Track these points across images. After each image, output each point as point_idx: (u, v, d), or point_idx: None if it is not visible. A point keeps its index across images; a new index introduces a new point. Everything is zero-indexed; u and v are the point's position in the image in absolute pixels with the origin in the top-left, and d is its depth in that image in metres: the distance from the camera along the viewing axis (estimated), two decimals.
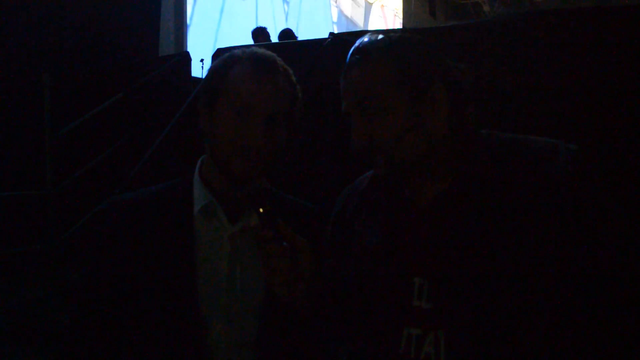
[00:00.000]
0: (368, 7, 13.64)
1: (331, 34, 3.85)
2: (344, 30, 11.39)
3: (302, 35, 8.88)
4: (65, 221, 4.27)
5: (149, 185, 1.34)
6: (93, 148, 4.75)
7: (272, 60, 1.25)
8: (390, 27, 14.05)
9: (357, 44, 1.13)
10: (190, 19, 8.45)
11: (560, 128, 3.02)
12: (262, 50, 1.27)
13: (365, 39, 1.12)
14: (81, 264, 1.30)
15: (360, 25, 12.93)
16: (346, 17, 12.71)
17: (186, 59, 5.84)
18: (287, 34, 7.05)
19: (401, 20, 14.54)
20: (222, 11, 9.22)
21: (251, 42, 6.71)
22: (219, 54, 3.64)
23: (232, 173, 1.20)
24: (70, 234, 4.25)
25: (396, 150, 1.06)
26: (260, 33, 7.16)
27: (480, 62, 3.26)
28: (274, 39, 7.23)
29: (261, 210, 1.09)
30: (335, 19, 12.18)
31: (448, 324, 1.01)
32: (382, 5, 14.19)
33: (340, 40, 3.55)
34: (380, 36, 1.11)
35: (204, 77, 1.32)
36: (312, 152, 3.40)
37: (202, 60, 7.36)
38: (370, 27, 12.87)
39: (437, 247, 1.05)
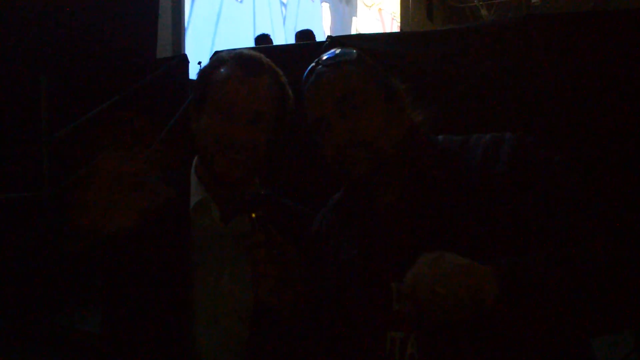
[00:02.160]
0: (366, 10, 13.65)
1: (329, 37, 3.86)
2: (341, 33, 11.42)
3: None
4: (62, 223, 4.25)
5: None
6: (91, 150, 4.72)
7: (258, 60, 1.26)
8: (388, 30, 14.07)
9: (323, 57, 1.19)
10: (188, 21, 8.44)
11: (556, 130, 3.03)
12: (248, 51, 1.29)
13: (330, 53, 1.19)
14: None
15: (358, 30, 12.93)
16: (343, 20, 12.72)
17: (184, 61, 5.84)
18: (305, 34, 7.04)
19: (399, 24, 14.56)
20: (219, 14, 9.22)
21: (250, 44, 6.72)
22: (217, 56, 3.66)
23: (216, 171, 1.21)
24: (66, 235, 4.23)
25: (379, 141, 1.11)
26: (262, 40, 7.17)
27: (478, 65, 3.27)
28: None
29: (253, 215, 1.09)
30: (332, 23, 12.19)
31: (422, 325, 1.02)
32: (380, 9, 14.22)
33: (339, 44, 3.57)
34: (345, 49, 1.20)
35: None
36: (310, 153, 3.40)
37: (199, 63, 7.35)
38: (369, 31, 12.88)
39: (404, 251, 1.06)
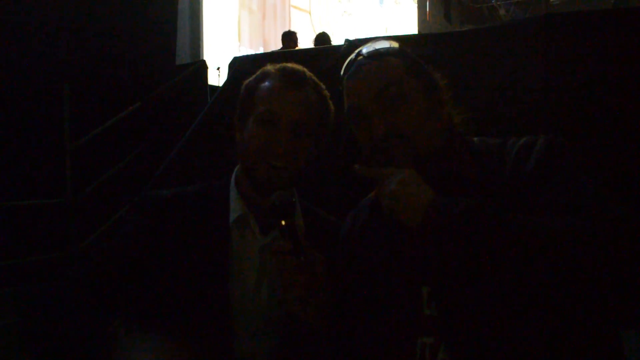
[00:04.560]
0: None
1: (347, 40, 3.85)
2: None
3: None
4: (85, 229, 4.31)
5: None
6: (112, 157, 4.79)
7: (301, 74, 1.31)
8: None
9: (362, 50, 1.19)
10: (206, 27, 8.50)
11: (577, 130, 2.99)
12: (292, 65, 1.33)
13: (370, 47, 1.19)
14: (109, 244, 1.28)
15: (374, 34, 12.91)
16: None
17: (203, 67, 5.88)
18: (322, 38, 7.06)
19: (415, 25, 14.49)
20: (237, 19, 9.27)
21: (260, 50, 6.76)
22: (235, 62, 3.67)
23: (257, 181, 1.24)
24: (91, 241, 4.29)
25: (418, 136, 1.09)
26: (288, 36, 7.22)
27: (497, 66, 3.24)
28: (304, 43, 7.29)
29: (283, 222, 1.09)
30: (349, 27, 12.18)
31: (454, 331, 1.01)
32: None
33: (356, 47, 3.55)
34: (386, 42, 1.20)
35: (221, 85, 1.39)
36: (330, 158, 3.40)
37: (218, 68, 7.41)
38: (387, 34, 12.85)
39: (437, 254, 1.05)
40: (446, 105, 1.16)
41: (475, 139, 1.18)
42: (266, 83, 1.29)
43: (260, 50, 10.02)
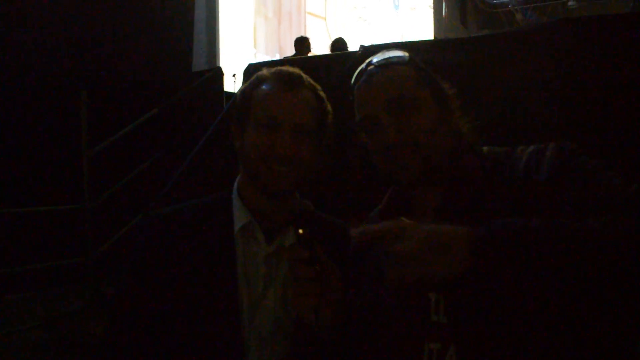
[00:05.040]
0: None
1: (362, 46, 3.85)
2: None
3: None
4: (103, 235, 4.36)
5: (183, 199, 1.36)
6: (129, 163, 4.83)
7: (297, 76, 1.29)
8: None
9: (373, 59, 1.19)
10: (222, 34, 8.55)
11: (595, 135, 2.95)
12: (287, 68, 1.32)
13: (381, 56, 1.19)
14: (118, 279, 1.31)
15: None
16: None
17: (219, 74, 5.93)
18: (339, 43, 7.09)
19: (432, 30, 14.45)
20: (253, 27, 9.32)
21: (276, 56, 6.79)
22: (250, 69, 3.69)
23: (262, 185, 1.23)
24: (108, 247, 4.33)
25: (430, 144, 1.09)
26: (301, 42, 7.26)
27: (514, 71, 3.22)
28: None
29: (301, 231, 1.08)
30: (365, 34, 12.19)
31: (462, 338, 1.01)
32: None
33: (371, 53, 3.55)
34: (395, 51, 1.20)
35: (236, 93, 1.38)
36: (342, 163, 3.39)
37: (234, 75, 7.45)
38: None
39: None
40: (455, 114, 1.16)
41: (485, 148, 1.17)
42: (263, 87, 1.28)
43: (277, 57, 10.06)
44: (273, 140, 1.21)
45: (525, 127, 3.04)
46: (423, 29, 14.06)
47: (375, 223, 1.25)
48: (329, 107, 1.34)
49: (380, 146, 1.13)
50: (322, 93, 1.33)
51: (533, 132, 2.87)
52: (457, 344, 1.01)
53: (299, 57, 6.54)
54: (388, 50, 1.21)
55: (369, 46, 3.81)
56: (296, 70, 1.31)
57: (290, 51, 8.34)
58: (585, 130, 2.95)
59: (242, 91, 1.32)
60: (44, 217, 4.30)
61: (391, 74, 1.15)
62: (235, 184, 1.34)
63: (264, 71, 1.32)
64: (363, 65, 1.21)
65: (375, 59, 1.20)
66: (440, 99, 1.15)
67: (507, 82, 3.19)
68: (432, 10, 14.40)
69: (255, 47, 10.69)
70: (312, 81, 1.32)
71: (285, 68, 1.31)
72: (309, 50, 7.35)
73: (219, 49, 8.36)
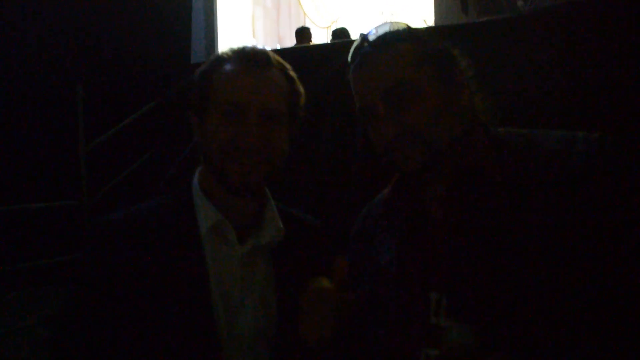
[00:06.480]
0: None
1: (361, 35, 3.77)
2: None
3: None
4: None
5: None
6: (127, 157, 4.78)
7: (263, 54, 1.15)
8: None
9: (369, 35, 1.07)
10: (220, 25, 8.48)
11: (603, 122, 2.88)
12: (251, 47, 1.17)
13: (378, 30, 1.06)
14: (64, 300, 1.16)
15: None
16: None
17: None
18: (341, 32, 7.02)
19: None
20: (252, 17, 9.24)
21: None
22: None
23: (228, 181, 1.09)
24: None
25: (434, 134, 0.99)
26: (301, 33, 7.19)
27: (517, 57, 3.15)
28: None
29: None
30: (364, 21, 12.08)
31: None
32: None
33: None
34: (386, 26, 1.07)
35: (194, 75, 1.20)
36: (341, 154, 3.33)
37: None
38: None
39: (448, 257, 0.97)
40: (467, 89, 1.04)
41: (501, 129, 1.06)
42: (224, 68, 1.12)
43: (277, 47, 9.99)
44: (238, 130, 1.07)
45: (527, 114, 2.97)
46: (423, 15, 13.94)
47: (378, 212, 1.17)
48: (300, 88, 1.19)
49: (381, 139, 1.04)
50: (292, 73, 1.18)
51: (541, 118, 2.80)
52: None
53: (301, 45, 6.47)
54: (384, 25, 1.08)
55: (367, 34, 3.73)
56: (263, 49, 1.16)
57: (290, 41, 8.27)
58: (588, 117, 2.89)
59: (201, 73, 1.16)
60: (42, 213, 4.25)
61: (387, 56, 1.02)
62: (195, 179, 1.19)
63: (226, 50, 1.16)
64: (358, 41, 1.09)
65: (370, 34, 1.07)
66: (448, 75, 1.02)
67: (509, 68, 3.12)
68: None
69: (254, 37, 10.60)
70: (280, 60, 1.17)
71: (250, 47, 1.16)
72: (310, 41, 7.26)
73: (217, 39, 8.28)
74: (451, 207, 1.01)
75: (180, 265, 1.06)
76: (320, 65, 3.75)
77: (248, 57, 1.13)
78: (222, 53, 1.16)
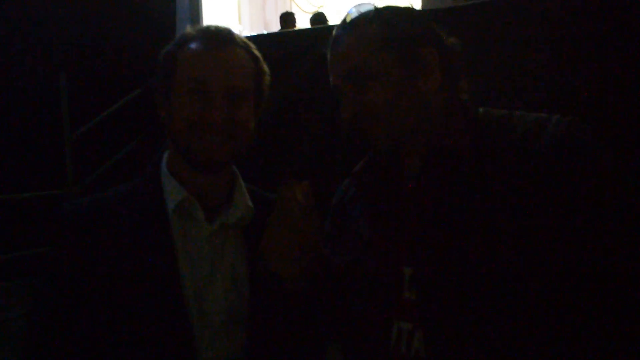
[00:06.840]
0: None
1: (343, 20, 3.74)
2: None
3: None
4: None
5: None
6: (112, 146, 4.74)
7: (227, 33, 1.16)
8: None
9: (348, 14, 1.09)
10: (205, 10, 8.40)
11: (588, 107, 2.88)
12: (215, 25, 1.18)
13: (360, 8, 1.08)
14: (36, 287, 1.14)
15: None
16: None
17: None
18: (319, 17, 6.99)
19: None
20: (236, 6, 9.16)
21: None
22: None
23: (194, 158, 1.10)
24: None
25: (392, 116, 1.01)
26: (287, 17, 7.13)
27: (505, 40, 3.14)
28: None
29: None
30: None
31: (431, 318, 0.94)
32: None
33: None
34: (368, 5, 1.08)
35: (159, 55, 1.20)
36: (335, 139, 3.32)
37: None
38: None
39: (421, 232, 0.98)
40: (433, 71, 1.03)
41: (481, 109, 1.06)
42: (188, 47, 1.13)
43: (263, 32, 9.92)
44: (203, 107, 1.08)
45: (516, 98, 2.97)
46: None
47: (351, 188, 1.18)
48: (265, 67, 1.20)
49: (344, 120, 1.05)
50: (256, 52, 1.19)
51: (524, 103, 2.80)
52: (424, 327, 0.95)
53: (287, 30, 6.43)
54: (361, 5, 1.09)
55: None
56: (226, 27, 1.18)
57: (276, 26, 8.21)
58: (580, 101, 2.88)
59: (166, 53, 1.17)
60: (26, 203, 4.21)
61: (352, 40, 1.04)
62: (164, 160, 1.20)
63: (189, 29, 1.18)
64: (339, 22, 1.11)
65: (350, 13, 1.09)
66: (411, 59, 1.02)
67: (498, 51, 3.11)
68: None
69: (240, 22, 10.50)
70: (244, 39, 1.18)
71: (213, 25, 1.17)
72: (294, 26, 7.22)
73: (203, 25, 8.24)
74: (425, 184, 1.02)
75: (147, 245, 1.08)
76: (308, 50, 3.73)
77: (212, 36, 1.14)
78: (186, 32, 1.17)
